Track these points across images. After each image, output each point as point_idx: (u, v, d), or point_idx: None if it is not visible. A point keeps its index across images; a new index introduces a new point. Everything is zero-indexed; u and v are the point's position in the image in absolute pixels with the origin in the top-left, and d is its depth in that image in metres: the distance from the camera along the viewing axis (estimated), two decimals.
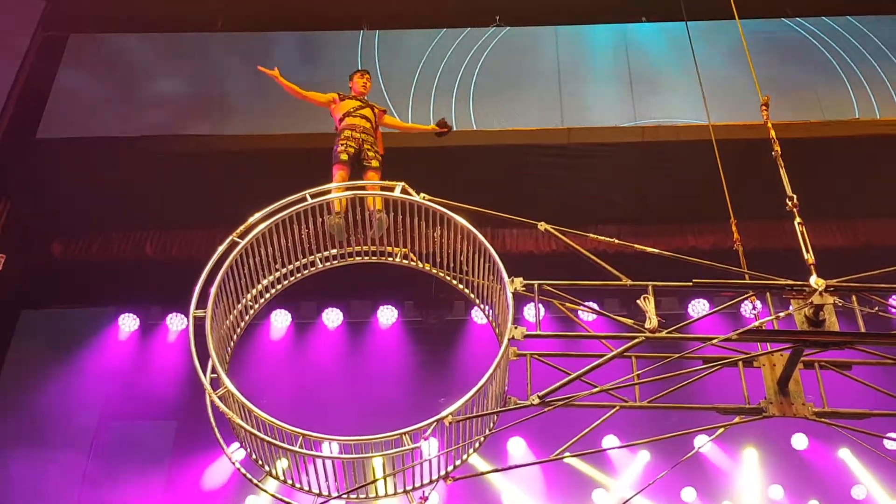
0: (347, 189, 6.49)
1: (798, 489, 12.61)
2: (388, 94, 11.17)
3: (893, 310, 6.00)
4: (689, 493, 12.63)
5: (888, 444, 10.19)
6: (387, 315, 12.73)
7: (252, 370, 11.65)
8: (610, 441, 11.56)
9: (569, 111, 11.60)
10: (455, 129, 11.33)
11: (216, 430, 5.72)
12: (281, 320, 12.73)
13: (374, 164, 7.27)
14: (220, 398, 5.53)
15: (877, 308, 5.53)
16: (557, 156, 11.32)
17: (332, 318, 12.78)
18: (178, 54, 12.19)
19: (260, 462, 5.68)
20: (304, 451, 5.36)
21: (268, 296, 6.44)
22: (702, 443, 10.18)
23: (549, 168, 11.32)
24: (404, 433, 5.28)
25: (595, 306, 11.53)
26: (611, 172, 11.13)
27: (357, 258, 6.66)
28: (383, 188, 6.50)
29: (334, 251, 6.56)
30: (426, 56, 11.95)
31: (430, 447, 5.45)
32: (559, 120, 11.48)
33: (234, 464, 5.88)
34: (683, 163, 10.56)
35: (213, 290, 5.89)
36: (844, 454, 12.54)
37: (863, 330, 5.25)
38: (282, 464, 5.64)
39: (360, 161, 7.27)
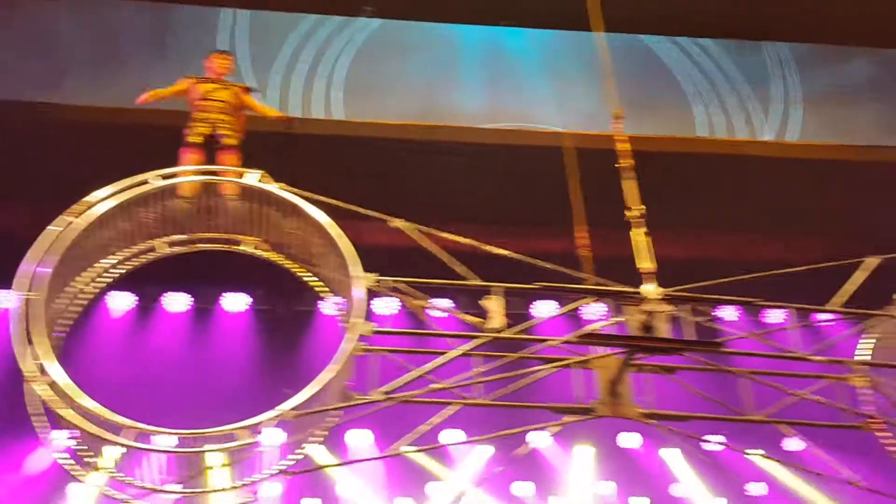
0: (200, 173, 6.32)
1: (625, 486, 13.24)
2: (256, 78, 10.99)
3: (722, 321, 6.44)
4: (524, 488, 13.04)
5: (706, 446, 10.91)
6: (236, 302, 12.50)
7: (88, 355, 11.21)
8: (451, 436, 11.80)
9: (436, 109, 11.74)
10: (323, 117, 11.43)
11: (34, 419, 5.38)
12: (123, 302, 12.31)
13: (230, 142, 7.10)
14: (44, 386, 5.20)
15: (705, 319, 5.86)
16: (421, 152, 11.43)
17: (178, 302, 12.46)
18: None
19: (87, 453, 5.40)
20: (134, 444, 5.13)
21: (105, 280, 6.13)
22: (536, 439, 10.49)
23: (411, 164, 11.41)
24: (241, 427, 5.18)
25: (449, 304, 11.81)
26: (472, 172, 11.31)
27: (204, 245, 6.47)
28: (239, 175, 6.36)
29: (180, 237, 6.35)
30: (297, 43, 11.82)
31: (269, 440, 5.38)
32: (425, 116, 11.59)
33: (55, 455, 5.56)
34: (540, 167, 10.82)
35: (40, 270, 5.51)
36: (668, 454, 13.22)
37: (691, 338, 5.57)
38: (112, 454, 5.39)
39: (214, 143, 7.10)
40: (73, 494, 11.36)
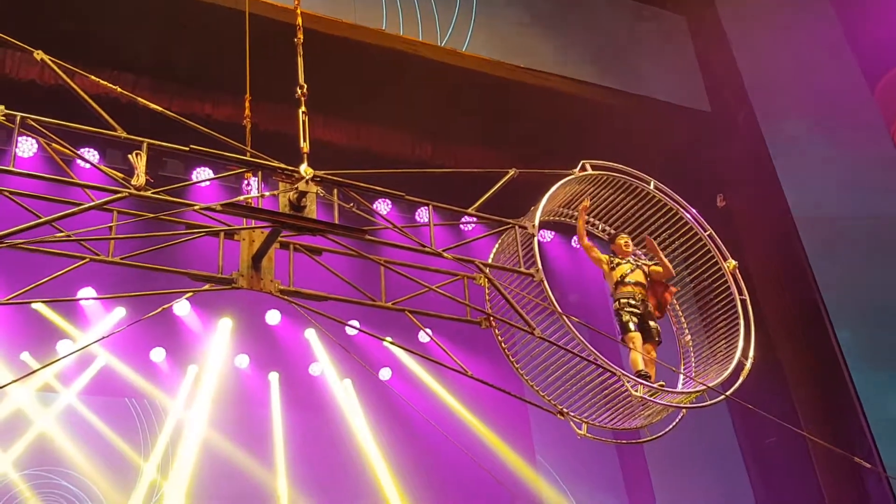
0: None
1: (263, 361, 13.52)
2: None
3: (376, 213, 6.66)
4: (158, 353, 12.85)
5: (348, 331, 11.37)
6: None
7: None
8: (86, 293, 11.25)
9: None
10: None
11: None
12: None
13: None
14: None
15: (352, 204, 6.02)
16: None
17: None
18: None
19: None
20: None
21: None
22: (173, 304, 10.28)
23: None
24: None
25: (95, 155, 11.02)
26: (136, 19, 10.49)
27: None
28: None
29: None
30: None
31: None
32: None
33: None
34: (214, 27, 10.34)
35: None
36: (310, 334, 13.66)
37: (337, 222, 5.70)
38: None
39: None
40: None
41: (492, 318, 6.67)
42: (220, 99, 11.25)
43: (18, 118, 5.20)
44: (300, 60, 6.28)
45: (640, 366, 7.05)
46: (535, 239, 6.63)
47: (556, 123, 12.47)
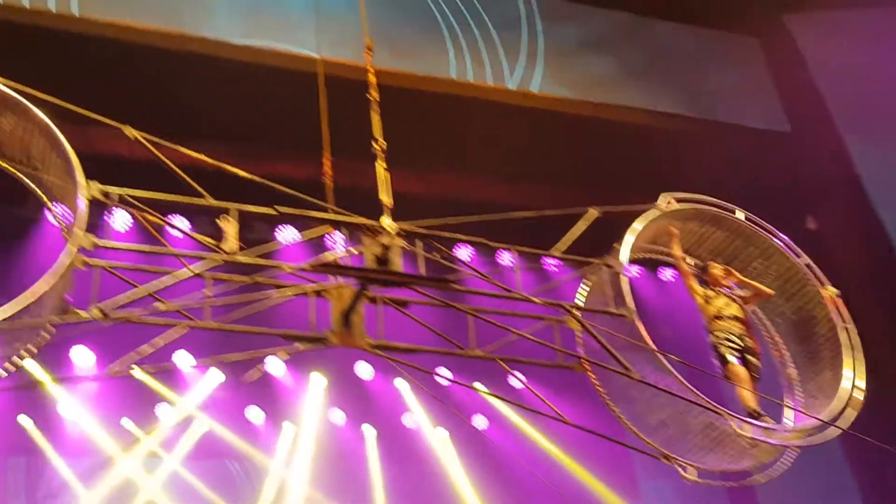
0: None
1: (357, 415, 13.57)
2: None
3: (457, 259, 6.66)
4: (254, 413, 13.02)
5: (438, 379, 11.37)
6: None
7: None
8: (181, 356, 11.50)
9: (185, 17, 11.11)
10: (54, 10, 10.45)
11: None
12: None
13: None
14: None
15: (438, 255, 6.04)
16: (168, 60, 10.80)
17: None
18: None
19: None
20: None
21: None
22: (267, 366, 10.46)
23: (152, 71, 10.75)
24: None
25: (185, 223, 11.35)
26: (217, 87, 10.84)
27: None
28: None
29: None
30: None
31: None
32: (173, 23, 10.95)
33: None
34: (291, 90, 10.60)
35: None
36: (401, 385, 13.67)
37: (422, 273, 5.73)
38: None
39: None
40: None
41: (585, 362, 6.55)
42: (299, 159, 11.45)
43: (114, 194, 5.39)
44: (376, 116, 6.38)
45: (752, 403, 6.77)
46: (624, 278, 6.51)
47: (633, 156, 12.37)
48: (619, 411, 6.82)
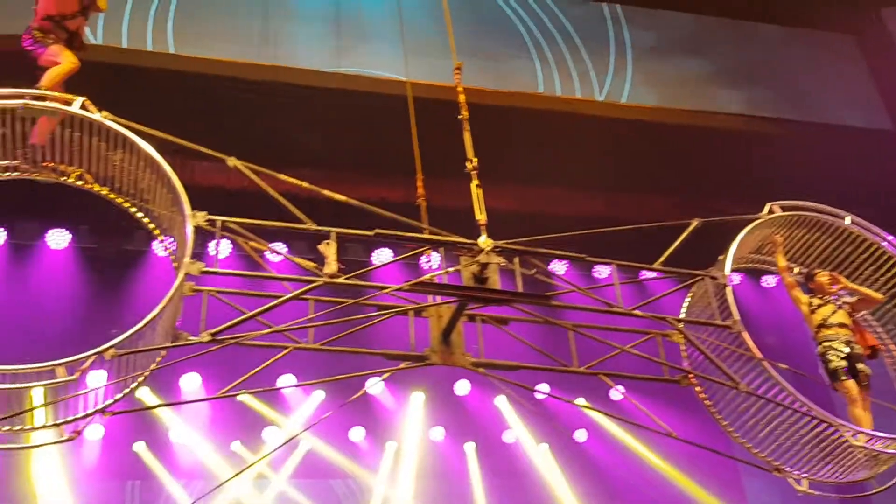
0: (18, 96, 5.79)
1: (457, 432, 13.59)
2: None
3: (553, 274, 6.64)
4: (357, 433, 13.17)
5: (537, 395, 11.32)
6: (57, 239, 11.80)
7: None
8: (285, 380, 11.74)
9: (273, 48, 11.41)
10: (150, 49, 10.85)
11: None
12: None
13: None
14: None
15: (535, 270, 6.03)
16: (257, 92, 11.09)
17: None
18: None
19: None
20: None
21: None
22: (371, 385, 10.57)
23: (247, 104, 11.06)
24: (60, 364, 4.98)
25: (284, 248, 11.60)
26: (309, 115, 11.08)
27: (22, 174, 6.02)
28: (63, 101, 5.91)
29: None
30: None
31: (92, 379, 5.19)
32: (262, 55, 11.26)
33: None
34: (380, 115, 10.76)
35: None
36: (500, 402, 13.64)
37: (520, 290, 5.72)
38: None
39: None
40: None
41: (691, 376, 6.42)
42: (392, 182, 11.62)
43: (219, 222, 5.56)
44: (467, 135, 6.42)
45: (865, 424, 6.53)
46: (729, 289, 6.38)
47: (731, 162, 12.12)
48: (728, 424, 6.66)
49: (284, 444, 11.12)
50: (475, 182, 6.09)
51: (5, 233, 11.61)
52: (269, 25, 11.40)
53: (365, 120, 11.21)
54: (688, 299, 6.91)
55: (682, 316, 6.73)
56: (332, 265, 5.49)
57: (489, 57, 11.83)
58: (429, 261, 6.98)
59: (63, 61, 6.23)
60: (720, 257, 6.68)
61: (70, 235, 11.79)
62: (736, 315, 6.27)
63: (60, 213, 11.51)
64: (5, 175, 6.02)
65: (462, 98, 6.67)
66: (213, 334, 5.27)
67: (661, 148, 12.19)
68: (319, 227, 5.72)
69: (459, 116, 6.52)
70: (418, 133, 7.52)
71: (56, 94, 5.90)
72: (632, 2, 13.09)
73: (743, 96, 12.62)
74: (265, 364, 5.66)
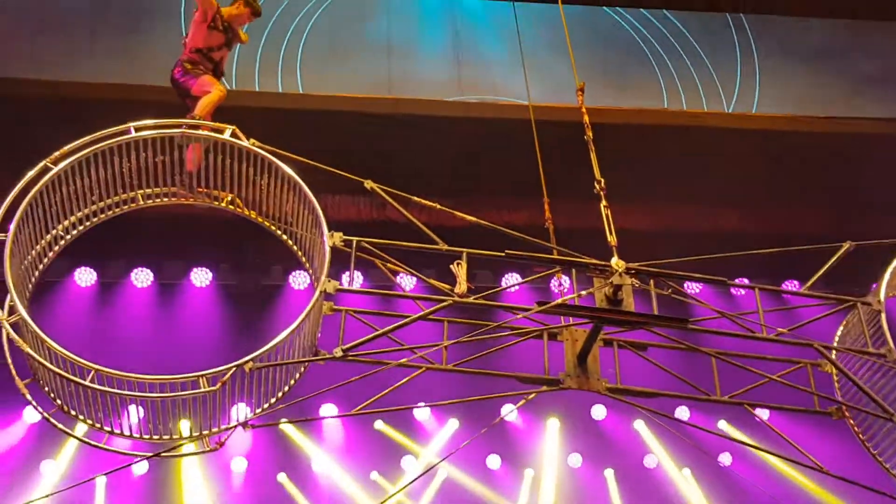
0: (174, 126, 6.08)
1: (596, 457, 13.33)
2: None
3: (688, 293, 6.42)
4: (494, 461, 13.10)
5: (673, 419, 10.96)
6: (200, 277, 12.34)
7: (50, 331, 11.01)
8: (421, 408, 11.82)
9: (396, 82, 11.65)
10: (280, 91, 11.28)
11: (11, 366, 5.44)
12: (86, 279, 12.13)
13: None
14: (12, 327, 5.24)
15: (670, 291, 5.85)
16: (383, 125, 11.34)
17: (142, 278, 12.28)
18: None
19: (58, 402, 5.43)
20: (103, 388, 5.19)
21: (81, 228, 6.02)
22: (507, 411, 10.52)
23: (374, 137, 11.31)
24: (202, 375, 5.20)
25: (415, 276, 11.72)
26: (435, 145, 11.23)
27: (180, 199, 6.29)
28: (212, 129, 6.18)
29: (160, 189, 6.19)
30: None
31: (233, 393, 5.36)
32: (387, 90, 11.51)
33: (34, 406, 5.57)
34: (504, 139, 10.79)
35: (18, 214, 5.53)
36: (639, 426, 13.32)
37: (656, 312, 5.55)
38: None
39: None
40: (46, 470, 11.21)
41: (845, 408, 6.08)
42: (517, 205, 11.61)
43: (355, 242, 5.69)
44: (593, 156, 6.34)
45: None
46: (883, 315, 6.00)
47: (873, 170, 11.53)
48: (883, 460, 6.24)
49: (423, 473, 11.15)
50: (604, 203, 5.99)
51: (151, 273, 12.21)
52: (392, 64, 11.65)
53: (487, 145, 11.27)
54: (842, 327, 6.48)
55: (834, 344, 6.37)
56: (462, 285, 5.50)
57: (611, 74, 11.72)
58: (560, 284, 6.89)
59: (213, 91, 6.79)
60: (876, 286, 6.25)
61: (211, 274, 12.33)
62: (891, 343, 5.90)
63: (202, 252, 12.03)
64: (164, 200, 6.29)
65: (586, 118, 6.59)
66: (346, 349, 5.37)
67: (797, 158, 11.74)
68: (451, 248, 5.76)
69: (585, 137, 6.44)
70: (542, 155, 7.49)
71: (209, 122, 6.21)
72: (756, 10, 12.71)
73: (883, 100, 12.03)
74: (400, 383, 5.72)
